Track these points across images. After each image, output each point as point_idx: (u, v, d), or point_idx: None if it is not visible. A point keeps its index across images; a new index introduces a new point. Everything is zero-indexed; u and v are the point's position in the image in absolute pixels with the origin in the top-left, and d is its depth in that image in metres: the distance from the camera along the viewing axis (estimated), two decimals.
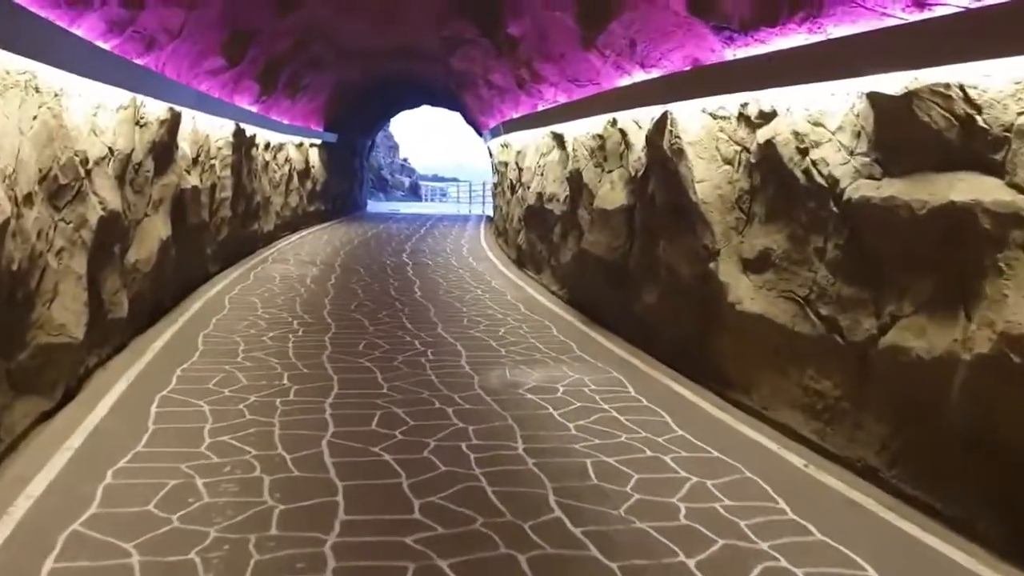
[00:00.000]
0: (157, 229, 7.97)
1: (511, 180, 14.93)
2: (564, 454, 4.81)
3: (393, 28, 13.15)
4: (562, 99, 9.96)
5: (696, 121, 6.24)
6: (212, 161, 10.79)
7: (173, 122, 8.37)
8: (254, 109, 13.23)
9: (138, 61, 7.26)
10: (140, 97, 7.34)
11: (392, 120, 29.93)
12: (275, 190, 16.08)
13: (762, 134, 5.37)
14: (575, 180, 9.31)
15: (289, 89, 14.82)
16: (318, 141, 20.07)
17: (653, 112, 6.95)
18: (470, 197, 37.28)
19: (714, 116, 6.07)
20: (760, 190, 5.51)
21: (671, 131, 6.47)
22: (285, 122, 16.21)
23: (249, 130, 12.97)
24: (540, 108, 11.07)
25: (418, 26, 13.07)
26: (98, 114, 6.36)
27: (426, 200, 44.33)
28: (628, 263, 7.75)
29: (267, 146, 15.13)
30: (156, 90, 7.74)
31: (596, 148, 8.56)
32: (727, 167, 5.92)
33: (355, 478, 4.37)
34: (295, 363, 6.73)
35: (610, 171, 8.24)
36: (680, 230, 6.41)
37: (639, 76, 7.30)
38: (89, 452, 4.65)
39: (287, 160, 16.97)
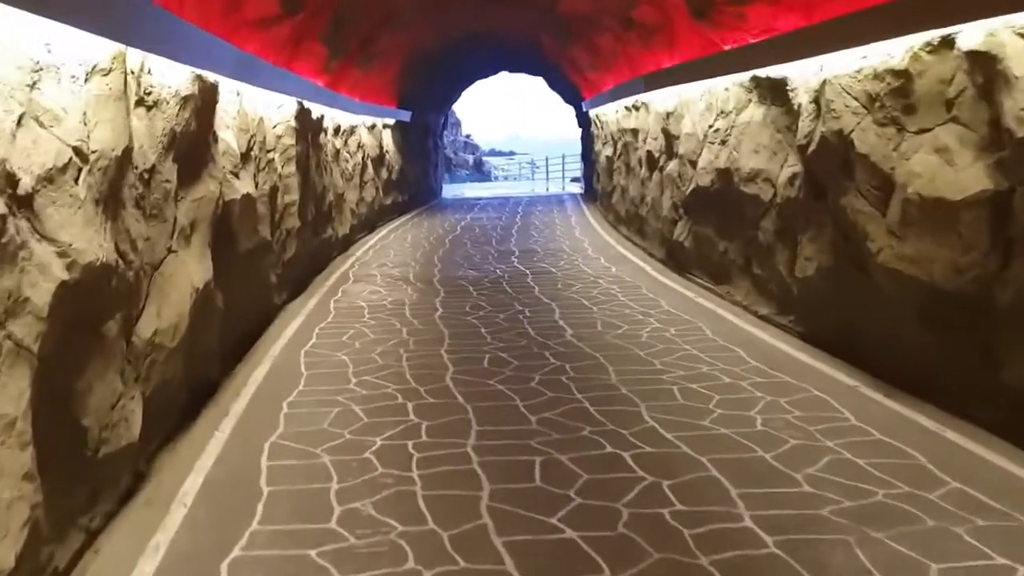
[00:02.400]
0: (189, 272, 4.95)
1: (647, 153, 11.57)
2: None
3: None
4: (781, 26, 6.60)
5: None
6: (271, 155, 7.77)
7: (205, 99, 5.33)
8: (319, 83, 10.16)
9: None
10: (138, 55, 4.28)
11: (464, 92, 26.76)
12: (348, 183, 13.09)
13: None
14: (826, 149, 5.96)
15: (361, 55, 11.72)
16: (391, 121, 17.01)
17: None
18: (547, 173, 33.95)
19: None
20: None
21: None
22: (356, 100, 13.16)
23: (315, 110, 9.93)
24: (728, 47, 7.69)
25: None
26: (39, 85, 3.30)
27: (495, 179, 41.15)
28: (991, 294, 4.41)
29: (337, 130, 12.09)
30: (170, 44, 4.66)
31: (884, 94, 5.19)
32: None
33: None
34: (437, 530, 3.63)
35: (924, 132, 4.88)
36: None
37: None
38: None
39: (360, 146, 13.95)
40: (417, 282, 9.61)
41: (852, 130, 5.59)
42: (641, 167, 12.13)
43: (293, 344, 6.82)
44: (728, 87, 8.13)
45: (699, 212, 9.09)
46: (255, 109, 7.12)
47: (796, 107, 6.59)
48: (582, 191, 24.29)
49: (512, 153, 75.94)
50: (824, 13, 5.79)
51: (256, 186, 6.93)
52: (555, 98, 24.11)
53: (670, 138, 10.28)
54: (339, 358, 6.34)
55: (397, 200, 17.62)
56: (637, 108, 12.19)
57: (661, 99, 10.58)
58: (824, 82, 5.94)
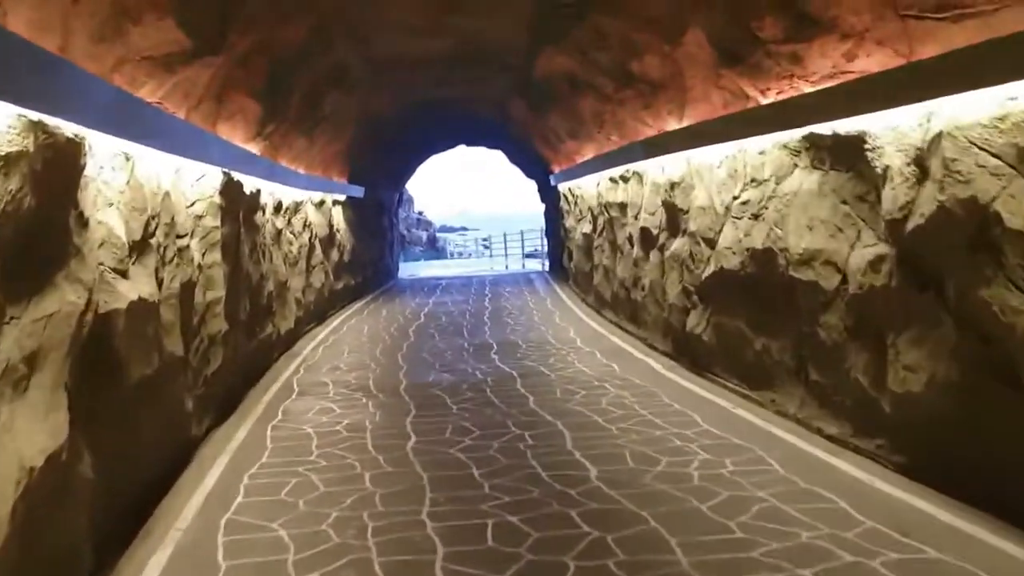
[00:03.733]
0: (16, 442, 3.05)
1: (640, 230, 10.02)
2: None
3: (456, 14, 8.45)
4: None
5: None
6: (184, 241, 5.93)
7: (57, 161, 3.52)
8: (254, 150, 8.42)
9: None
10: None
11: (419, 167, 25.29)
12: (293, 269, 11.25)
13: None
14: (945, 225, 4.39)
15: (306, 119, 10.05)
16: (342, 197, 15.30)
17: None
18: (505, 250, 32.45)
19: None
20: None
21: None
22: (301, 172, 11.44)
23: (249, 183, 8.16)
24: (769, 99, 6.17)
25: (496, 8, 8.39)
26: None
27: (451, 256, 39.60)
28: None
29: (279, 208, 10.32)
30: None
31: None
32: None
33: None
34: None
35: None
36: None
37: None
38: None
39: (307, 225, 12.16)
40: (379, 393, 7.73)
41: (995, 197, 4.01)
42: (632, 246, 10.56)
43: (210, 508, 4.84)
44: (764, 150, 6.60)
45: (722, 300, 7.47)
46: (158, 181, 5.32)
47: (879, 171, 5.04)
48: (546, 268, 22.80)
49: (464, 229, 74.93)
50: (939, 43, 4.28)
51: (160, 285, 5.07)
52: (505, 173, 22.88)
53: (675, 212, 8.73)
54: (274, 535, 4.40)
55: (350, 284, 15.77)
56: (626, 179, 10.69)
57: (663, 167, 9.07)
58: (938, 135, 4.40)
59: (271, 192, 9.79)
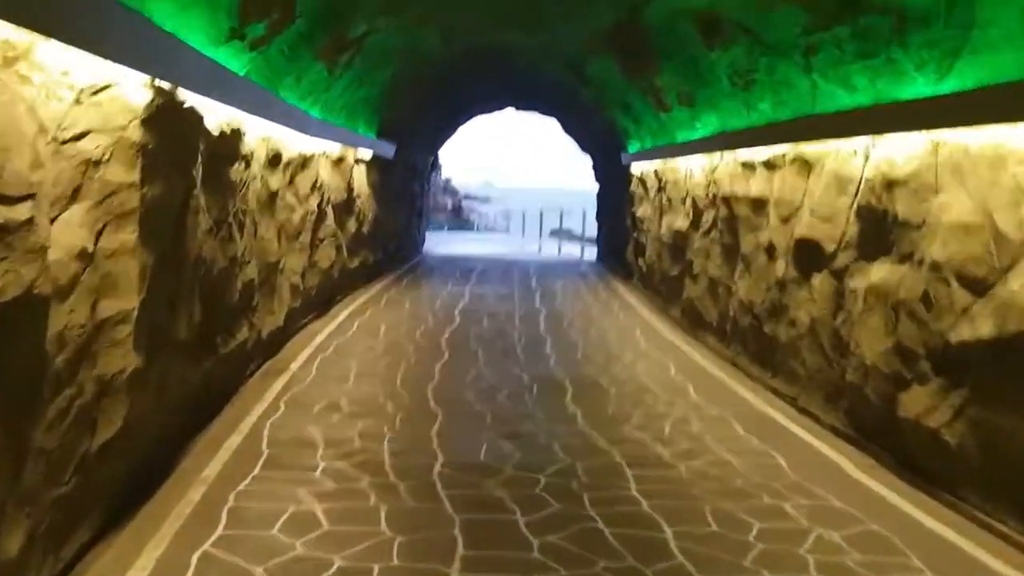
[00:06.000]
0: None
1: (795, 241, 6.83)
2: None
3: None
4: None
5: None
6: (20, 209, 2.83)
7: None
8: (236, 64, 5.29)
9: None
10: None
11: (460, 128, 22.04)
12: (291, 244, 8.19)
13: None
14: None
15: (327, 33, 6.90)
16: (367, 154, 12.18)
17: None
18: (540, 230, 29.13)
19: None
20: None
21: None
22: (313, 114, 8.32)
23: (216, 113, 5.04)
24: None
25: None
26: None
27: (476, 229, 36.43)
28: None
29: (275, 161, 7.21)
30: None
31: None
32: None
33: None
34: None
35: None
36: None
37: None
38: None
39: (317, 187, 9.04)
40: (400, 482, 4.64)
41: None
42: (773, 259, 7.38)
43: None
44: None
45: (997, 385, 4.32)
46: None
47: None
48: (591, 258, 19.67)
49: (487, 199, 71.80)
50: None
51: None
52: (533, 145, 19.70)
53: (886, 224, 5.51)
54: None
55: (368, 261, 12.70)
56: (774, 165, 7.46)
57: (865, 153, 5.84)
58: None
59: (265, 136, 6.68)
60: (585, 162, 20.54)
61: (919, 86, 4.97)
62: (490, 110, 19.96)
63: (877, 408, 5.44)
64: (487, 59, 12.36)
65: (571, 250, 23.48)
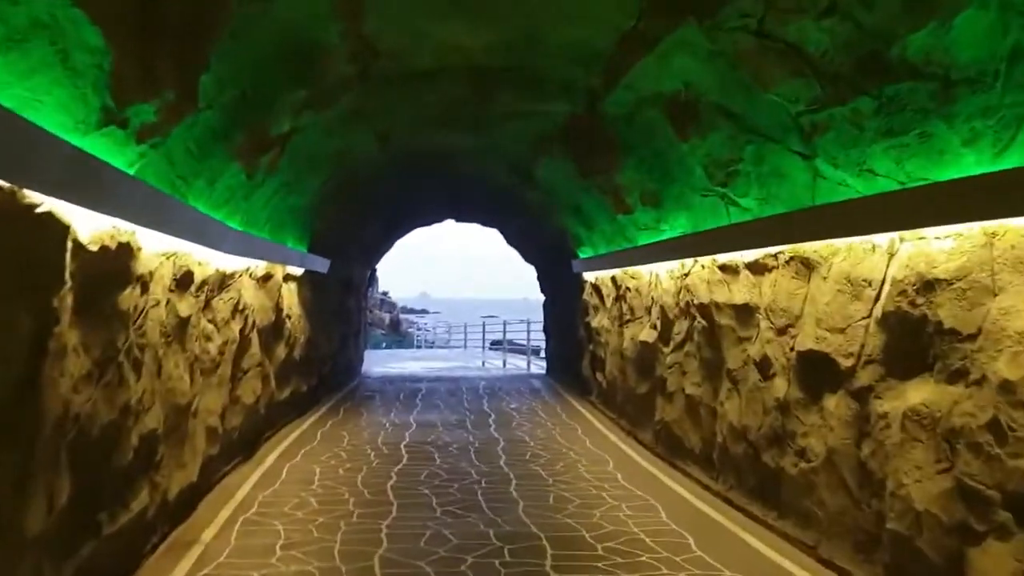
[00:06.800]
0: None
1: (799, 355, 5.91)
2: None
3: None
4: None
5: None
6: None
7: None
8: (123, 160, 4.21)
9: None
10: None
11: (398, 240, 21.08)
12: (207, 380, 6.90)
13: None
14: None
15: (244, 126, 5.88)
16: (298, 271, 11.06)
17: None
18: (483, 344, 28.02)
19: None
20: None
21: None
22: (232, 225, 7.22)
23: (91, 221, 3.91)
24: None
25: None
26: None
27: (419, 344, 35.07)
28: None
29: (186, 282, 6.02)
30: None
31: None
32: None
33: None
34: None
35: None
36: None
37: None
38: None
39: (239, 310, 7.83)
40: None
41: None
42: (767, 377, 6.43)
43: None
44: None
45: None
46: None
47: None
48: (545, 371, 18.65)
49: (424, 311, 70.57)
50: None
51: None
52: (469, 252, 18.91)
53: (919, 332, 4.64)
54: None
55: (300, 390, 11.35)
56: (765, 268, 6.62)
57: (891, 248, 5.01)
58: None
59: (170, 252, 5.53)
60: (527, 269, 19.76)
61: (966, 164, 4.18)
62: (429, 223, 19.16)
63: (936, 567, 4.38)
64: (426, 164, 11.57)
65: (517, 363, 22.42)
